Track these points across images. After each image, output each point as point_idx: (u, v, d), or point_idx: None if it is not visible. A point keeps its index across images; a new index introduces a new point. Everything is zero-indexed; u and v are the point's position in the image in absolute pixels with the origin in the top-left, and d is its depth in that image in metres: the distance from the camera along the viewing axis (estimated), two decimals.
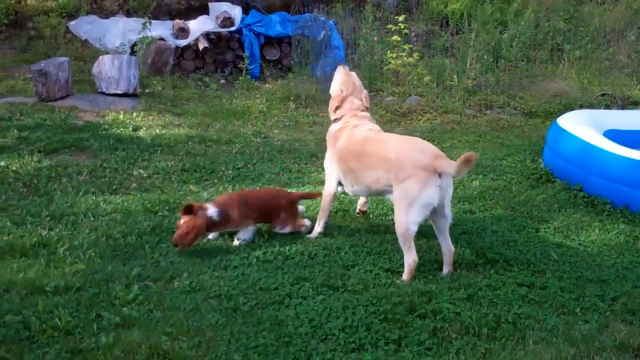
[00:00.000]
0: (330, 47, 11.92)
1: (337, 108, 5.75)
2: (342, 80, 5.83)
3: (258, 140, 8.62)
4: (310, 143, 8.65)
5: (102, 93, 9.82)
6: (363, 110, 5.74)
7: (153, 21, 11.48)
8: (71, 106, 9.32)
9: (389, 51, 11.67)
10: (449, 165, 4.78)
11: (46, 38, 11.77)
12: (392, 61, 11.52)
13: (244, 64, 11.51)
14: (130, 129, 8.51)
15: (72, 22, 12.01)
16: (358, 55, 11.75)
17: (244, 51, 11.90)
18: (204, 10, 12.76)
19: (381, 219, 6.22)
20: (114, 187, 6.56)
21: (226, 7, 12.42)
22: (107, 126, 8.55)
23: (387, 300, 4.47)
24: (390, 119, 10.19)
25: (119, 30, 11.69)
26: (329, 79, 11.08)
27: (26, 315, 4.11)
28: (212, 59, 11.93)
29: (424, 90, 11.37)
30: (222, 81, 11.70)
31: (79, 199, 6.16)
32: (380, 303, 4.45)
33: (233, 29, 12.04)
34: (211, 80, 11.39)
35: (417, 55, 11.74)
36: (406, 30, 11.91)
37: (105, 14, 12.34)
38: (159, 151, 7.75)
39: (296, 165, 7.71)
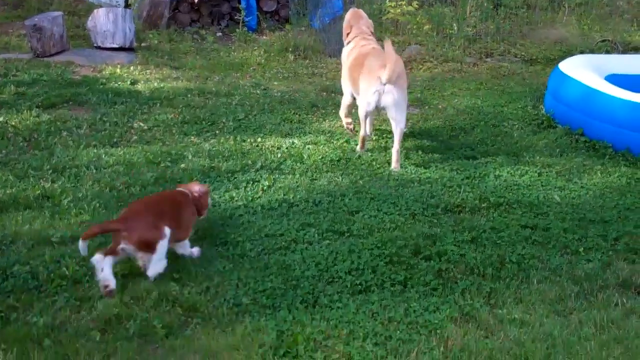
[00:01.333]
0: None
1: (347, 34, 7.05)
2: (351, 14, 7.21)
3: (257, 92, 8.56)
4: (310, 94, 8.60)
5: (98, 47, 9.72)
6: (369, 35, 6.97)
7: None
8: (67, 61, 9.22)
9: (387, 0, 11.54)
10: (383, 75, 6.01)
11: None
12: (391, 10, 11.39)
13: (240, 16, 11.37)
14: (128, 82, 8.44)
15: None
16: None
17: (240, 3, 11.74)
18: None
19: (385, 167, 6.23)
20: (115, 140, 6.54)
21: None
22: (104, 80, 8.48)
23: (392, 244, 4.51)
24: None
25: None
26: (327, 29, 11.17)
27: (33, 265, 4.15)
28: (207, 12, 11.77)
29: (424, 39, 11.27)
30: (219, 34, 11.57)
31: (80, 152, 6.14)
32: (385, 246, 4.48)
33: None
34: (208, 33, 11.26)
35: (417, 4, 11.61)
36: None
37: None
38: (158, 104, 7.70)
39: (297, 115, 7.67)
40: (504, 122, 7.67)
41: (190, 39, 11.00)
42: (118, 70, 8.92)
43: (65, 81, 8.34)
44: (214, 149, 6.44)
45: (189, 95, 8.10)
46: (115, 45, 9.64)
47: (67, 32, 9.76)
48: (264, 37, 11.38)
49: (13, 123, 6.82)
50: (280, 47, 10.64)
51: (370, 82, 6.17)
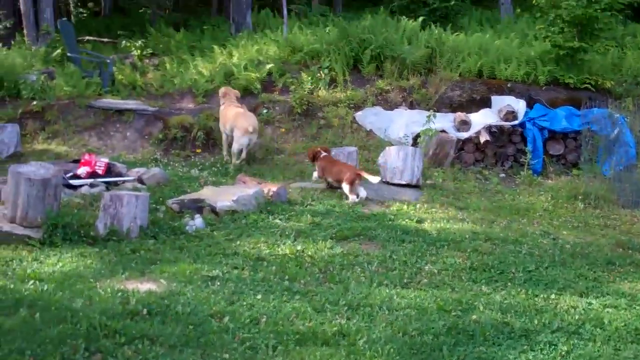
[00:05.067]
0: (620, 144, 11.25)
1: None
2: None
3: (546, 241, 8.21)
4: (604, 248, 8.06)
5: (386, 183, 10.08)
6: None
7: (435, 113, 11.66)
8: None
9: None
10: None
11: (334, 127, 12.47)
12: None
13: (525, 159, 11.25)
14: (415, 220, 8.58)
15: (359, 113, 12.63)
16: None
17: (526, 145, 11.65)
18: (485, 103, 12.76)
19: None
20: (405, 280, 6.57)
21: (509, 100, 12.31)
22: (392, 216, 8.70)
23: None
24: None
25: (403, 122, 12.06)
26: (620, 178, 10.59)
27: None
28: (492, 152, 11.80)
29: None
30: (502, 175, 11.50)
31: (373, 290, 6.24)
32: None
33: (516, 122, 11.87)
34: (491, 174, 11.25)
35: None
36: None
37: (390, 105, 12.82)
38: (445, 246, 7.68)
39: (592, 272, 7.18)
40: None
41: (474, 179, 11.04)
42: (405, 207, 9.12)
43: (356, 214, 8.69)
44: (505, 301, 6.19)
45: (476, 240, 7.99)
46: (403, 182, 9.94)
47: (359, 165, 10.28)
48: (550, 181, 11.11)
49: (309, 253, 7.17)
50: (568, 193, 10.26)
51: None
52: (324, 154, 9.91)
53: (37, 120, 12.44)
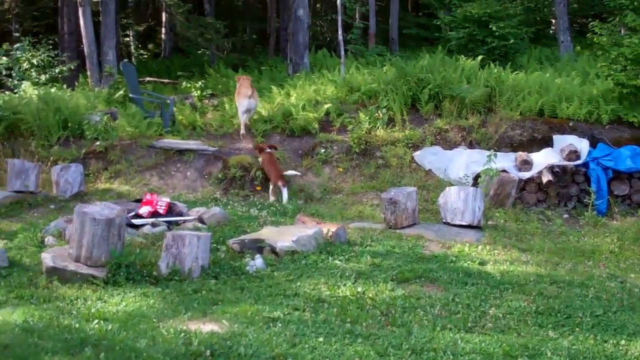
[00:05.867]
0: None
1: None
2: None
3: (613, 284, 7.96)
4: None
5: (447, 223, 9.96)
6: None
7: (496, 153, 11.51)
8: (417, 235, 9.57)
9: None
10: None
11: (392, 167, 12.43)
12: None
13: (589, 199, 10.98)
14: (477, 262, 8.42)
15: (417, 153, 12.56)
16: None
17: (589, 185, 11.38)
18: (546, 142, 12.57)
19: None
20: (469, 324, 6.41)
21: (572, 139, 12.10)
22: (454, 258, 8.57)
23: None
24: None
25: (463, 162, 11.94)
26: None
27: None
28: (555, 193, 11.55)
29: None
30: (565, 216, 11.24)
31: (436, 334, 6.10)
32: None
33: (579, 162, 11.63)
34: (554, 215, 11.01)
35: None
36: None
37: (449, 145, 12.73)
38: (509, 289, 7.50)
39: None
40: None
41: (536, 220, 10.82)
42: (466, 249, 8.98)
43: (417, 255, 8.59)
44: (573, 347, 5.98)
45: (541, 283, 7.78)
46: (463, 223, 9.80)
47: (418, 206, 10.18)
48: (615, 223, 10.82)
49: (370, 295, 7.08)
50: (635, 235, 9.99)
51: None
52: (268, 150, 11.96)
53: (100, 160, 12.73)
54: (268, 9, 28.10)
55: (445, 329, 6.26)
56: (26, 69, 15.74)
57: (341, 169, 12.54)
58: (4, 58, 14.96)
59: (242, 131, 13.68)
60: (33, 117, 13.22)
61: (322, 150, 12.84)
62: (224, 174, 12.24)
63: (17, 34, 19.64)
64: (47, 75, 16.06)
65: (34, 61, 15.99)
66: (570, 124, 12.91)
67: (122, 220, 7.51)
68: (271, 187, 11.54)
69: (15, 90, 14.88)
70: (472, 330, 6.32)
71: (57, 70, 16.41)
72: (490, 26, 16.46)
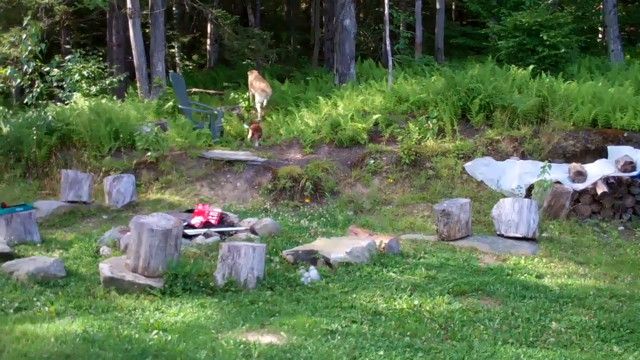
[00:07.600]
0: None
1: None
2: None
3: None
4: None
5: (501, 235, 9.81)
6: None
7: (550, 164, 11.32)
8: (471, 247, 9.45)
9: None
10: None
11: (443, 178, 12.28)
12: None
13: None
14: (534, 275, 8.27)
15: (469, 163, 12.41)
16: None
17: None
18: (600, 153, 12.31)
19: None
20: (531, 339, 6.28)
21: (627, 150, 11.83)
22: (510, 271, 8.42)
23: None
24: None
25: (515, 173, 11.75)
26: None
27: None
28: (610, 204, 11.30)
29: None
30: (621, 228, 10.97)
31: (498, 348, 5.99)
32: None
33: (634, 173, 11.35)
34: (609, 227, 10.77)
35: None
36: None
37: (500, 156, 12.54)
38: (569, 303, 7.33)
39: None
40: None
41: (591, 232, 10.58)
42: (522, 261, 8.83)
43: (472, 268, 8.47)
44: None
45: (601, 296, 7.60)
46: (518, 235, 9.64)
47: (472, 218, 10.05)
48: None
49: (427, 308, 6.99)
50: None
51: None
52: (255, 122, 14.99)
53: (151, 171, 12.85)
54: (312, 20, 28.21)
55: (506, 343, 6.15)
56: (77, 81, 15.97)
57: (391, 180, 12.45)
58: (56, 70, 15.18)
59: (259, 117, 16.18)
60: (85, 128, 13.43)
61: (372, 161, 12.76)
62: (273, 184, 12.25)
63: (67, 46, 19.94)
64: (98, 87, 16.29)
65: (85, 73, 16.23)
66: (625, 134, 12.63)
67: (179, 231, 7.54)
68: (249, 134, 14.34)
69: (67, 102, 15.11)
70: (534, 344, 6.19)
71: (107, 82, 16.63)
72: (541, 35, 16.21)
